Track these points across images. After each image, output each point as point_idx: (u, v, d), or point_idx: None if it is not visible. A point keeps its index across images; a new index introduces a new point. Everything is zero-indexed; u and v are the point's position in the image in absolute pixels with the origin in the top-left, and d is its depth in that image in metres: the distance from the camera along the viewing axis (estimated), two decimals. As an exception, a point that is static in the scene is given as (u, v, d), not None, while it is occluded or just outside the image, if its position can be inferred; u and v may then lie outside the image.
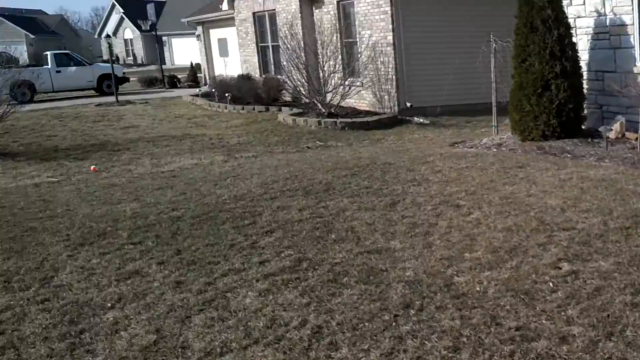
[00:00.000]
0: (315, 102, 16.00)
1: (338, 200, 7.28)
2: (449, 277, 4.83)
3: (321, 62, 15.76)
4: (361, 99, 16.61)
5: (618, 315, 4.01)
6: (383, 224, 6.28)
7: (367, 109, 16.39)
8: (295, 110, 16.83)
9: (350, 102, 16.48)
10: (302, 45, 16.71)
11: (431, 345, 3.83)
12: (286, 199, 7.49)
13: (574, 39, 10.07)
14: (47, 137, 15.44)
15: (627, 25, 9.66)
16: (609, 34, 9.99)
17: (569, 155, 8.99)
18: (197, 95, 22.39)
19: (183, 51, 54.69)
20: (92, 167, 11.18)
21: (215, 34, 26.79)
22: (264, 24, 20.65)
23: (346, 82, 15.92)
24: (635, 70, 9.61)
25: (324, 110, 15.64)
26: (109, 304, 4.79)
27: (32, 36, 68.01)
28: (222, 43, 26.18)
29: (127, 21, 61.86)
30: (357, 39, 16.35)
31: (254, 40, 21.20)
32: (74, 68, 27.03)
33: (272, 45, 20.23)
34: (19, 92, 21.96)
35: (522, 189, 7.17)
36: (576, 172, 7.73)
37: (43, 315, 4.66)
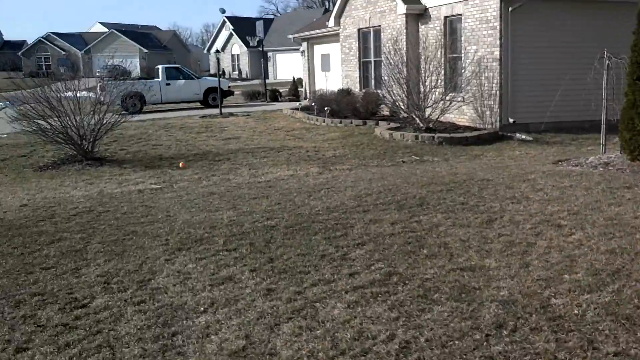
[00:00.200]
0: (414, 116, 15.88)
1: (432, 215, 7.16)
2: (545, 299, 4.62)
3: (423, 77, 15.69)
4: (461, 114, 16.37)
5: None
6: (478, 241, 6.11)
7: (467, 124, 16.11)
8: (392, 124, 16.76)
9: (450, 117, 16.27)
10: (405, 60, 16.72)
11: (523, 368, 3.68)
12: (379, 212, 7.44)
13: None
14: (153, 146, 16.13)
15: None
16: None
17: (683, 177, 8.44)
18: (296, 109, 22.76)
19: (286, 66, 56.04)
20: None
21: (319, 49, 27.48)
22: (367, 40, 20.89)
23: (447, 97, 15.75)
24: None
25: (422, 124, 15.49)
26: (202, 308, 4.90)
27: (145, 50, 71.63)
28: (325, 58, 26.74)
29: (235, 37, 63.95)
30: (462, 54, 16.19)
31: (357, 55, 21.45)
32: (182, 81, 28.17)
33: (374, 61, 20.37)
34: (130, 102, 23.12)
35: (628, 210, 6.79)
36: (691, 195, 7.24)
37: (138, 317, 4.82)
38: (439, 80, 15.84)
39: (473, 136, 14.60)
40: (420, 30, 18.04)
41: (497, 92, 15.12)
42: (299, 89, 31.81)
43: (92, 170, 12.69)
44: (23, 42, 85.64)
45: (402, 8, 17.97)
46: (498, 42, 14.91)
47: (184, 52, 79.52)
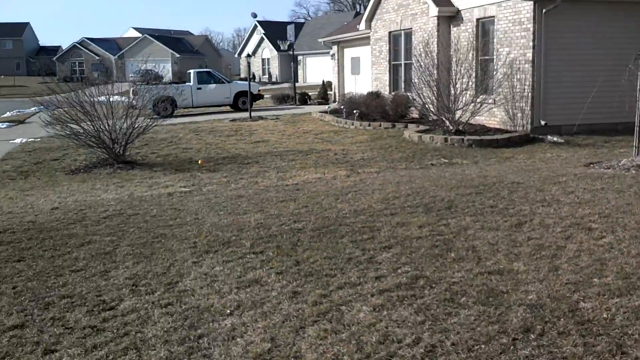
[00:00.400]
0: (444, 119, 15.77)
1: (460, 218, 7.09)
2: (574, 303, 4.55)
3: (454, 79, 15.59)
4: (492, 117, 16.22)
5: None
6: (507, 244, 6.04)
7: (498, 126, 15.96)
8: (421, 127, 16.67)
9: (480, 119, 16.13)
10: (436, 62, 16.67)
11: (551, 374, 3.62)
12: (406, 215, 7.40)
13: None
14: (183, 149, 16.28)
15: None
16: None
17: None
18: (325, 112, 22.77)
19: (315, 70, 56.15)
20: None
21: (349, 52, 27.56)
22: (398, 43, 20.89)
23: (478, 100, 15.62)
24: None
25: (451, 127, 15.37)
26: (228, 311, 4.92)
27: (177, 55, 72.56)
28: (355, 61, 26.77)
29: (266, 41, 64.32)
30: (494, 56, 16.09)
31: (387, 58, 21.46)
32: (213, 85, 28.38)
33: (405, 63, 20.36)
34: (162, 107, 23.35)
35: (663, 213, 6.64)
36: None
37: (165, 319, 4.86)
38: (470, 82, 15.74)
39: (503, 138, 14.44)
40: (451, 32, 17.97)
41: (529, 94, 14.96)
42: (328, 92, 31.84)
43: (123, 174, 12.86)
44: (58, 48, 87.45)
45: (434, 10, 17.93)
46: (531, 43, 14.75)
47: (216, 57, 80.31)
